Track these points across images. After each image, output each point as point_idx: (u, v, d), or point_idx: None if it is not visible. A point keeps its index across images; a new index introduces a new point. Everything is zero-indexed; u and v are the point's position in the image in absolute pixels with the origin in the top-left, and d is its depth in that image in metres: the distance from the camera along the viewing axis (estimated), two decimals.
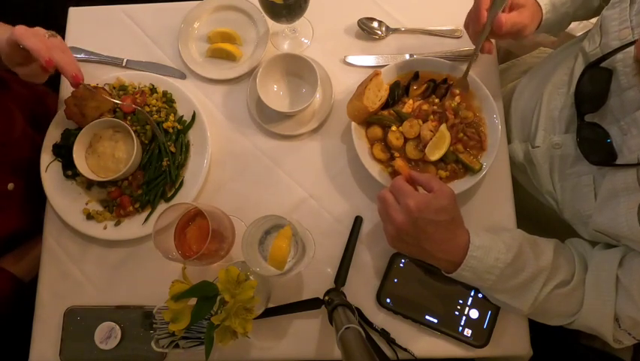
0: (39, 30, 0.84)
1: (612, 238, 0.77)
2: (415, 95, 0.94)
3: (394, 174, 0.90)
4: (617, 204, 0.72)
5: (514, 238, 0.80)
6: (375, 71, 0.91)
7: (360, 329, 0.69)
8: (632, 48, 0.71)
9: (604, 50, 0.76)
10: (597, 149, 0.76)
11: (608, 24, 0.77)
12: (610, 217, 0.74)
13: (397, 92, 0.93)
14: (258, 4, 0.94)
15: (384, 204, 0.78)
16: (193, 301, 0.76)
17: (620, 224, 0.72)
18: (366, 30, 1.02)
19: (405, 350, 0.86)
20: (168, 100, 0.98)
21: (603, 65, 0.75)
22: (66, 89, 1.00)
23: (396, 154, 0.91)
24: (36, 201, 0.99)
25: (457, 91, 0.92)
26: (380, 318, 0.88)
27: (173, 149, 0.95)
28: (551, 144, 0.87)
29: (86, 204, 0.94)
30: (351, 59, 1.02)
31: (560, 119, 0.86)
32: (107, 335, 0.88)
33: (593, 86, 0.77)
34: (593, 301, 0.77)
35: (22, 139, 1.03)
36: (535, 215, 0.98)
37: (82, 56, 1.04)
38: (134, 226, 0.93)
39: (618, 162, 0.72)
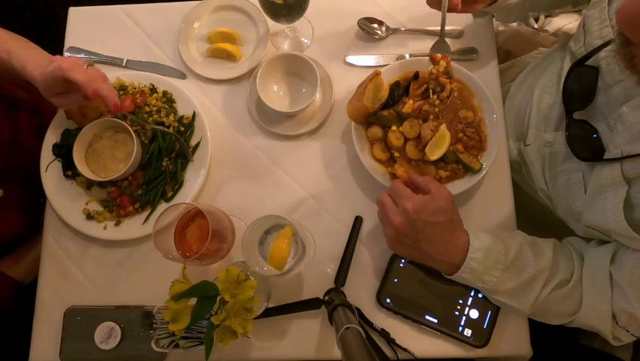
0: (77, 61, 0.85)
1: (603, 234, 0.78)
2: (415, 95, 0.94)
3: (394, 174, 0.90)
4: (604, 199, 0.74)
5: (513, 238, 0.81)
6: (375, 71, 0.91)
7: (360, 329, 0.69)
8: (614, 45, 0.72)
9: (588, 49, 0.78)
10: (585, 145, 0.78)
11: (590, 23, 0.78)
12: (599, 213, 0.75)
13: (397, 92, 0.93)
14: (258, 4, 0.94)
15: (382, 208, 0.79)
16: (193, 301, 0.76)
17: (607, 219, 0.73)
18: (366, 30, 1.02)
19: (405, 350, 0.86)
20: (168, 100, 0.98)
21: (589, 63, 0.76)
22: None
23: (396, 154, 0.91)
24: (32, 204, 0.99)
25: (439, 55, 0.90)
26: (380, 318, 0.88)
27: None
28: (543, 142, 0.88)
29: (86, 204, 0.94)
30: (351, 59, 1.02)
31: (550, 117, 0.87)
32: (107, 335, 0.88)
33: (580, 84, 0.78)
34: (591, 300, 0.77)
35: (10, 145, 1.02)
36: (533, 214, 0.98)
37: (82, 56, 1.04)
38: (134, 226, 0.93)
39: (605, 157, 0.74)
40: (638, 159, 0.69)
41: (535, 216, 0.98)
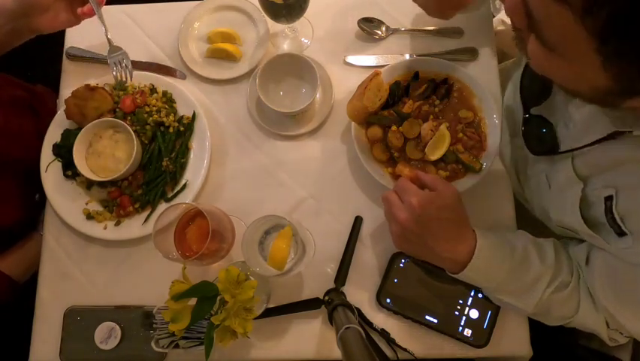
0: None
1: (573, 232, 0.79)
2: (415, 95, 0.94)
3: (394, 174, 0.90)
4: (565, 198, 0.74)
5: (518, 238, 0.81)
6: (375, 71, 0.91)
7: (360, 329, 0.69)
8: None
9: None
10: (539, 140, 0.78)
11: None
12: (561, 211, 0.76)
13: (397, 92, 0.93)
14: (258, 4, 0.94)
15: (388, 204, 0.78)
16: (193, 301, 0.76)
17: (569, 217, 0.73)
18: (366, 30, 1.02)
19: (405, 350, 0.86)
20: (168, 100, 0.98)
21: None
22: (66, 88, 1.00)
23: (396, 154, 0.91)
24: (26, 201, 0.98)
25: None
26: (380, 318, 0.88)
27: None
28: (514, 146, 0.89)
29: (86, 204, 0.94)
30: (351, 59, 1.02)
31: (517, 120, 0.87)
32: (107, 335, 0.88)
33: (535, 80, 0.78)
34: (587, 302, 0.77)
35: (1, 137, 1.01)
36: (523, 215, 0.98)
37: (82, 55, 1.04)
38: (134, 226, 0.93)
39: (558, 151, 0.75)
40: (586, 155, 0.70)
41: (524, 217, 0.99)
